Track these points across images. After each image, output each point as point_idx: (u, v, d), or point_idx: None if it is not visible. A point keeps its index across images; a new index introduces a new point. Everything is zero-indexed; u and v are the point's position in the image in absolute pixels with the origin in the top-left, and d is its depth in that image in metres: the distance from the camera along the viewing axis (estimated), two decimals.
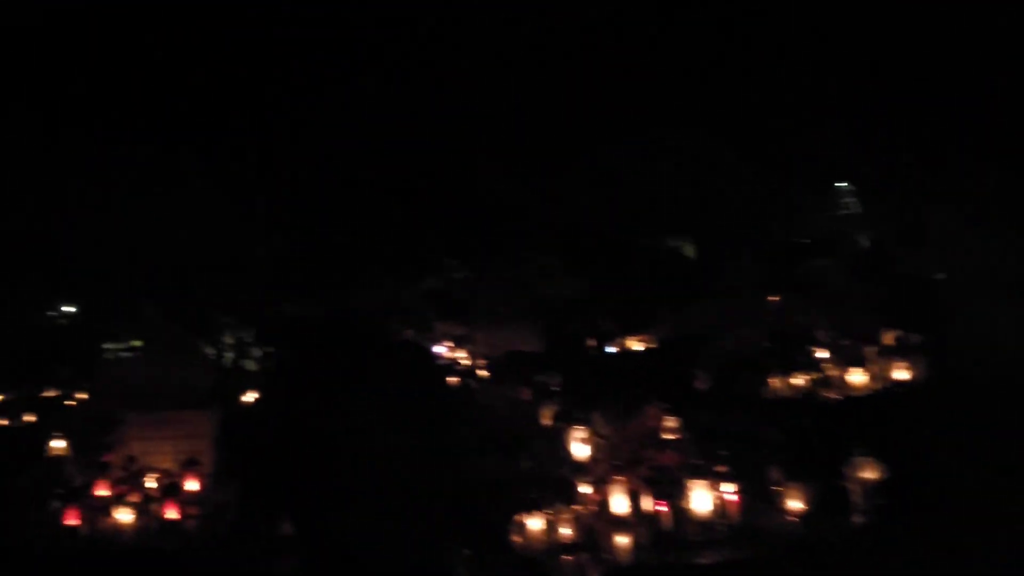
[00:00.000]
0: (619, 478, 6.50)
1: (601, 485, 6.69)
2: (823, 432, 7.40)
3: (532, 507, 6.64)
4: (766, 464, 6.64)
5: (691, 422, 7.58)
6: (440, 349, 16.18)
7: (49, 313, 19.15)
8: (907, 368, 10.88)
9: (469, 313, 17.54)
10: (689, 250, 22.44)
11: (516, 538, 6.64)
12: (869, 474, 6.44)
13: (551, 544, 6.54)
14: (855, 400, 9.86)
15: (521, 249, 18.03)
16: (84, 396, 12.87)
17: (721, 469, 6.49)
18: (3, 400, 13.94)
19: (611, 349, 16.17)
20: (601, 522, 6.50)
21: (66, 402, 13.72)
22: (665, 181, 21.88)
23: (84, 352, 16.85)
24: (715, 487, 6.43)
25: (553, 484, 6.85)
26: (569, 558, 6.36)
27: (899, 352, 11.43)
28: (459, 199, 22.74)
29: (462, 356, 15.38)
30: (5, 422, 12.91)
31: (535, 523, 6.60)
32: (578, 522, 6.60)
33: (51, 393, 14.34)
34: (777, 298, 14.42)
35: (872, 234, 24.99)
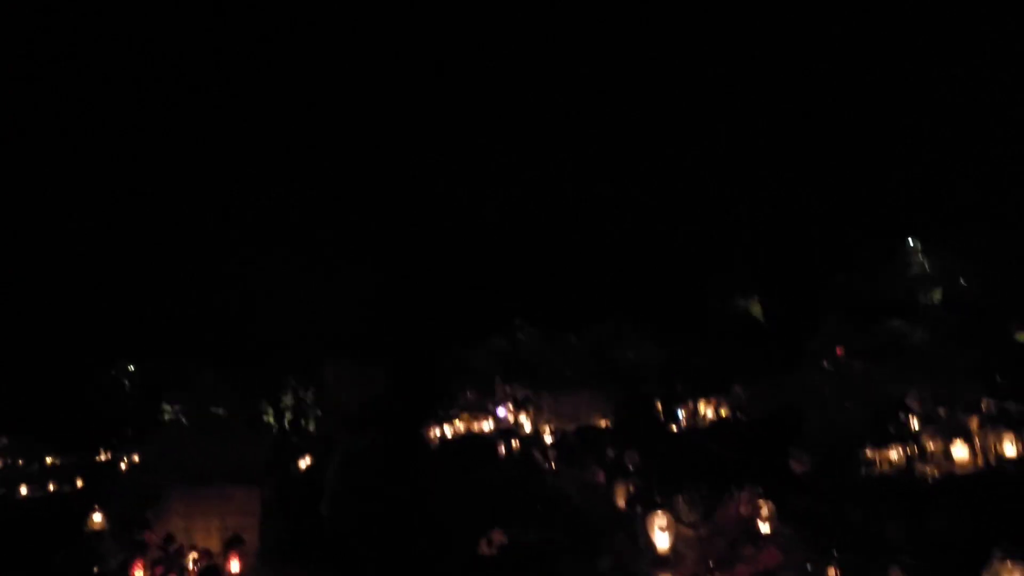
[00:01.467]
0: None
1: None
2: (949, 524, 6.13)
3: None
4: (886, 566, 5.44)
5: (790, 510, 6.44)
6: (502, 412, 15.22)
7: (112, 372, 18.73)
8: (1014, 441, 9.59)
9: (535, 376, 16.57)
10: (757, 310, 21.19)
11: None
12: None
13: None
14: (966, 482, 8.57)
15: (591, 310, 17.05)
16: (136, 460, 12.23)
17: (832, 575, 5.33)
18: (55, 463, 13.39)
19: (680, 413, 15.07)
20: None
21: (120, 465, 13.08)
22: (738, 241, 20.88)
23: (144, 414, 16.36)
24: None
25: None
26: None
27: (1004, 422, 10.12)
28: (530, 260, 22.05)
29: (524, 420, 14.37)
30: (53, 487, 12.24)
31: None
32: None
33: (104, 457, 13.77)
34: (859, 363, 13.16)
35: (947, 291, 23.46)
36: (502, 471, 10.21)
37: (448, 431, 14.17)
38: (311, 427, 16.31)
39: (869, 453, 9.21)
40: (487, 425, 14.67)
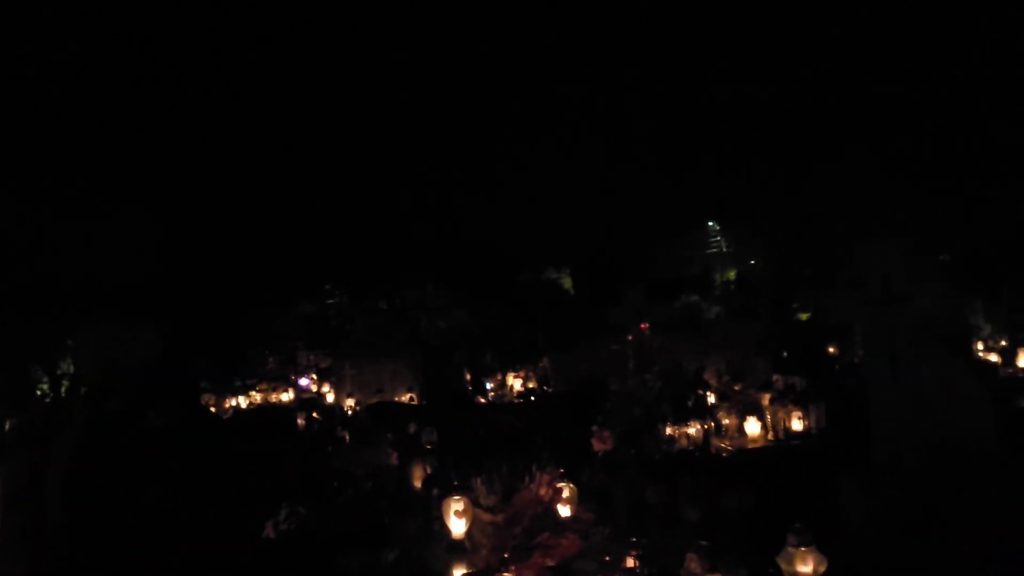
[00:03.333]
0: (507, 574, 4.87)
1: None
2: (740, 504, 5.95)
3: None
4: (684, 550, 5.11)
5: (591, 491, 6.07)
6: (304, 382, 14.34)
7: None
8: (801, 417, 9.85)
9: (341, 344, 15.74)
10: (568, 282, 21.32)
11: None
12: (807, 567, 5.02)
13: None
14: (759, 456, 8.65)
15: (401, 277, 16.30)
16: None
17: (631, 563, 4.95)
18: None
19: (489, 385, 14.75)
20: None
21: None
22: (551, 214, 20.90)
23: None
24: None
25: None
26: None
27: (792, 398, 10.39)
28: (340, 224, 21.00)
29: (327, 391, 13.54)
30: None
31: None
32: None
33: None
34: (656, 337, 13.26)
35: (742, 271, 24.70)
36: (296, 446, 9.38)
37: (244, 402, 13.10)
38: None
39: (669, 429, 9.16)
40: (286, 396, 13.73)
